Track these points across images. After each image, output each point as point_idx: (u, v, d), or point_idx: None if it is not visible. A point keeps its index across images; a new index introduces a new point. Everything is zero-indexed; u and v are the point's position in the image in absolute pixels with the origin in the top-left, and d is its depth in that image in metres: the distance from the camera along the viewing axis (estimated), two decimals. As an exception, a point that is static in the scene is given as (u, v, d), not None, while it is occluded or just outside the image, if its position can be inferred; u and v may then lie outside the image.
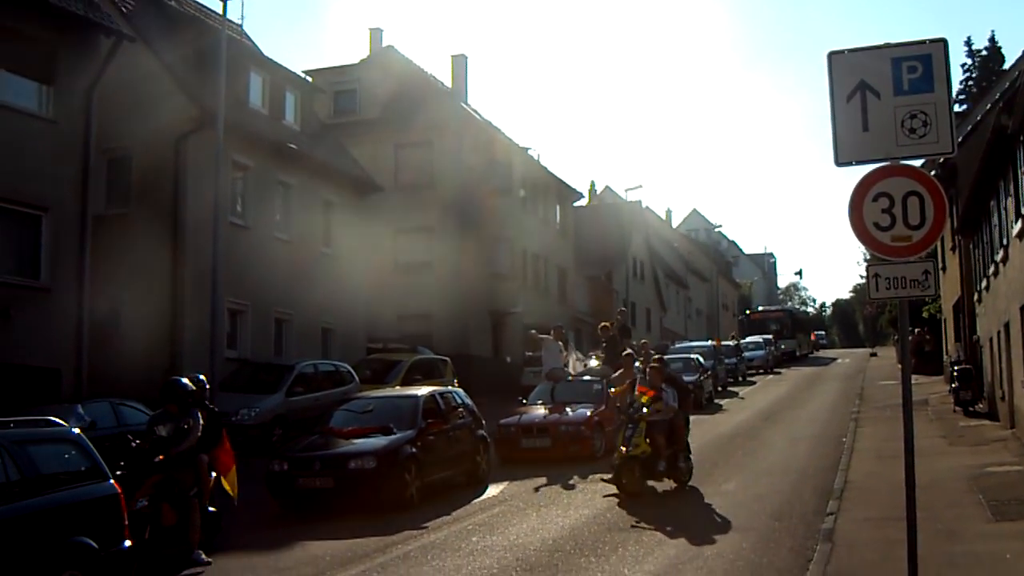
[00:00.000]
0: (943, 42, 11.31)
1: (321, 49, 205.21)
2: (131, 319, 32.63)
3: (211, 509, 16.68)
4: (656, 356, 22.73)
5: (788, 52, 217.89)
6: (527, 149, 60.50)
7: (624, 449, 20.52)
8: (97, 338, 29.60)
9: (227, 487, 17.70)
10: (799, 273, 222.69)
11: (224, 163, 30.66)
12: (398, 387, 30.21)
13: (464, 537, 17.39)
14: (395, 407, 22.75)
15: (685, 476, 21.21)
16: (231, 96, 33.40)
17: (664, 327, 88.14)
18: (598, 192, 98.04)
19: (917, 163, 11.91)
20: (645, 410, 20.75)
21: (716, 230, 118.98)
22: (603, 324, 32.66)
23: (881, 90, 11.37)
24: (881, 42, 11.69)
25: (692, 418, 33.96)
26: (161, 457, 16.00)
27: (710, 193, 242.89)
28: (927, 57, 11.32)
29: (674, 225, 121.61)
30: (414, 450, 21.02)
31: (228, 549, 17.24)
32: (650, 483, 20.90)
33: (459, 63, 59.70)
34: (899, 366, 48.63)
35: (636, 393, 21.39)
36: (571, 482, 22.55)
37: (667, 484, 21.12)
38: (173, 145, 33.30)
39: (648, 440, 20.52)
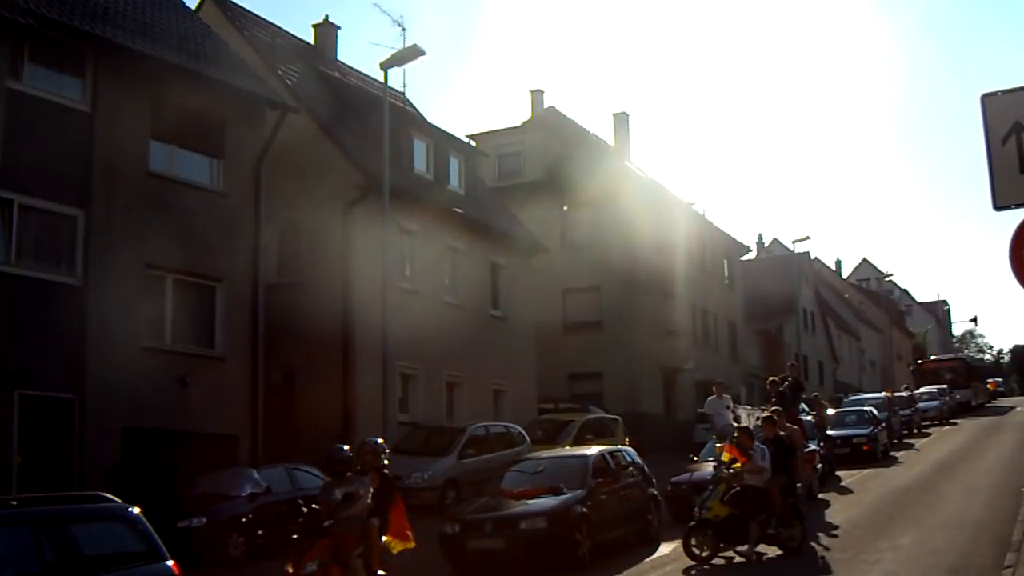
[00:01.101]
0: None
1: (484, 113, 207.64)
2: (305, 386, 33.17)
3: (380, 573, 16.46)
4: (742, 426, 21.90)
5: (951, 93, 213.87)
6: (692, 204, 60.24)
7: (698, 511, 20.04)
8: (272, 405, 30.12)
9: (401, 545, 17.39)
10: (974, 320, 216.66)
11: (391, 229, 30.90)
12: (568, 447, 30.05)
13: None
14: (565, 467, 22.67)
15: (789, 543, 20.13)
16: (396, 163, 33.84)
17: (837, 379, 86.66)
18: (766, 245, 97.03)
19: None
20: (726, 471, 20.28)
21: (887, 279, 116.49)
22: (771, 378, 32.21)
23: (1036, 130, 11.02)
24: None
25: (868, 471, 33.59)
26: (332, 521, 15.84)
27: (880, 242, 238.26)
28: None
29: (844, 275, 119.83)
30: (585, 510, 20.76)
31: None
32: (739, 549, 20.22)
33: (621, 121, 59.71)
34: (1083, 414, 47.12)
35: (724, 455, 21.02)
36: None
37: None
38: (341, 213, 33.91)
39: (730, 503, 19.80)
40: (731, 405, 36.00)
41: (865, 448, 38.17)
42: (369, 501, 16.14)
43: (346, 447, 17.07)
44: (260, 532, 24.43)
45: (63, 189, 25.05)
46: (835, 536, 21.86)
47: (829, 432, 35.64)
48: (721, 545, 19.97)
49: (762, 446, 20.54)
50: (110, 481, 24.67)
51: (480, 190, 43.72)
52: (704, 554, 19.71)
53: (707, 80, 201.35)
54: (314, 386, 32.95)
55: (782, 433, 22.42)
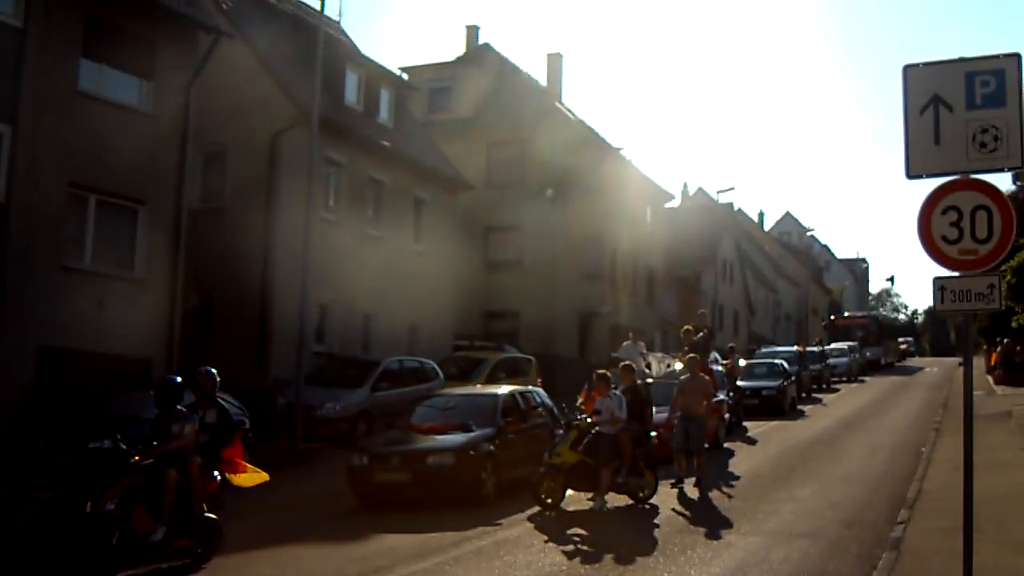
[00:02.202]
0: (1017, 57, 11.34)
1: (417, 46, 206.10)
2: (223, 312, 33.35)
3: (210, 516, 15.78)
4: (601, 372, 21.81)
5: (879, 52, 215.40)
6: (619, 149, 60.44)
7: (547, 456, 20.23)
8: (189, 329, 30.30)
9: (239, 483, 16.72)
10: (891, 279, 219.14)
11: (318, 159, 31.03)
12: (480, 385, 30.37)
13: (536, 534, 17.60)
14: (475, 405, 22.98)
15: (639, 492, 20.40)
16: (326, 93, 33.89)
17: (752, 331, 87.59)
18: (690, 194, 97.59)
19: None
20: (580, 418, 20.60)
21: (808, 234, 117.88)
22: (686, 327, 32.77)
23: (954, 104, 11.45)
24: (956, 56, 11.76)
25: (774, 423, 34.26)
26: (138, 458, 14.96)
27: (803, 197, 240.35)
28: (1000, 72, 11.37)
29: (766, 228, 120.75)
30: (492, 448, 21.20)
31: (307, 539, 17.64)
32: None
33: (554, 61, 59.66)
34: (988, 377, 48.27)
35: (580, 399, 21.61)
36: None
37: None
38: (268, 141, 33.95)
39: (583, 450, 20.00)
40: (644, 352, 36.58)
41: (774, 401, 38.84)
42: (197, 436, 15.68)
43: (178, 378, 16.35)
44: (169, 455, 24.63)
45: (-11, 103, 24.88)
46: (735, 485, 22.44)
47: (739, 383, 36.28)
48: (568, 492, 20.29)
49: (619, 394, 20.70)
50: (23, 399, 24.87)
51: (409, 124, 43.76)
52: (549, 500, 19.91)
53: (642, 27, 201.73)
54: (232, 312, 33.20)
55: (639, 382, 22.61)
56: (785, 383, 40.66)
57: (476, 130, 50.60)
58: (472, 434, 21.25)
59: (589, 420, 20.29)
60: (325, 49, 30.95)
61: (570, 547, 16.43)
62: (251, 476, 16.76)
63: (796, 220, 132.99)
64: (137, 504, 14.26)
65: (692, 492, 21.41)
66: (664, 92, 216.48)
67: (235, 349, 31.85)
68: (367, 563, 15.36)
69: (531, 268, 48.98)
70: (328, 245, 33.84)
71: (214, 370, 16.67)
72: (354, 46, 44.17)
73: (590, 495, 20.14)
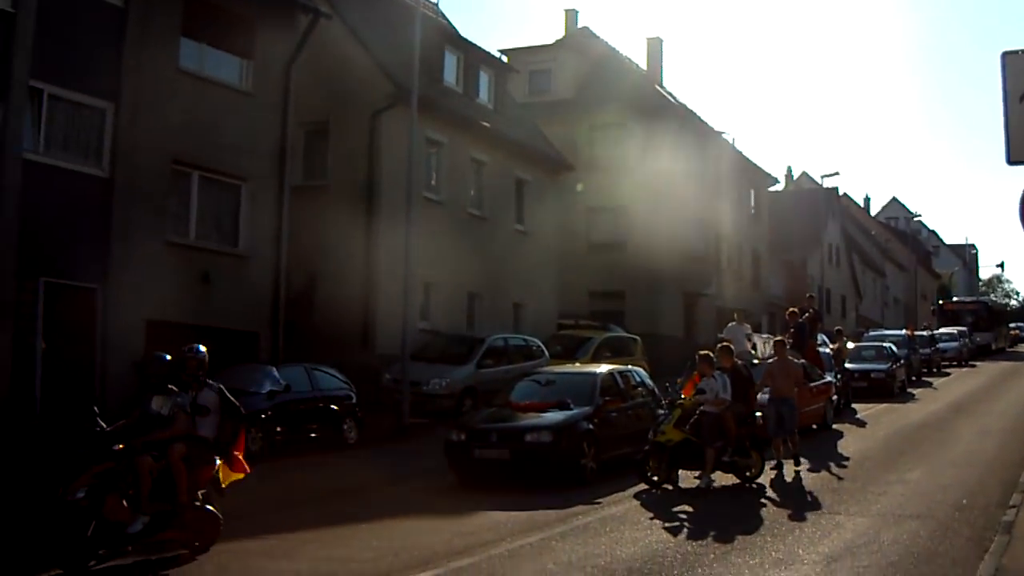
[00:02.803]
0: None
1: (517, 30, 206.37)
2: (326, 287, 33.47)
3: (205, 505, 14.47)
4: (704, 352, 21.14)
5: (990, 34, 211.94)
6: (722, 133, 59.96)
7: (652, 435, 19.88)
8: (293, 305, 30.43)
9: (232, 476, 15.03)
10: (1001, 265, 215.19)
11: (418, 139, 31.06)
12: (579, 364, 30.01)
13: (642, 511, 17.35)
14: (573, 383, 22.66)
15: (745, 472, 20.04)
16: (426, 74, 33.94)
17: (860, 314, 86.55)
18: (795, 178, 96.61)
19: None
20: (683, 397, 20.25)
21: (916, 219, 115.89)
22: (791, 309, 32.21)
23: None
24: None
25: (883, 406, 33.65)
26: (121, 446, 13.71)
27: (911, 182, 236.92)
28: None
29: (872, 213, 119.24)
30: (591, 426, 20.87)
31: (412, 513, 17.51)
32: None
33: (654, 46, 59.33)
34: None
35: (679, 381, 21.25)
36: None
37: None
38: (368, 120, 33.99)
39: (688, 429, 19.68)
40: (750, 333, 36.17)
41: (883, 382, 38.23)
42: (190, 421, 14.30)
43: (167, 356, 14.83)
44: (278, 429, 24.85)
45: (93, 81, 25.08)
46: (844, 467, 21.99)
47: (847, 365, 35.71)
48: (673, 471, 19.89)
49: (722, 374, 20.28)
50: (135, 372, 25.09)
51: (509, 106, 43.64)
52: (655, 478, 19.61)
53: (743, 9, 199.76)
54: (336, 288, 33.23)
55: (739, 363, 22.19)
56: (894, 366, 39.95)
57: (577, 112, 50.26)
58: (571, 412, 20.95)
59: (693, 399, 19.98)
60: (423, 30, 30.93)
61: (676, 524, 16.21)
62: (235, 472, 15.04)
63: (903, 205, 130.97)
64: (109, 493, 13.09)
65: (791, 474, 20.99)
66: (767, 75, 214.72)
67: (341, 326, 31.95)
68: (474, 537, 15.15)
69: (635, 249, 48.49)
70: (431, 224, 33.86)
71: (203, 348, 15.06)
72: (453, 29, 44.18)
73: (696, 473, 19.80)
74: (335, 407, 26.71)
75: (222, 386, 14.89)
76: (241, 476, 15.07)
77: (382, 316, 32.66)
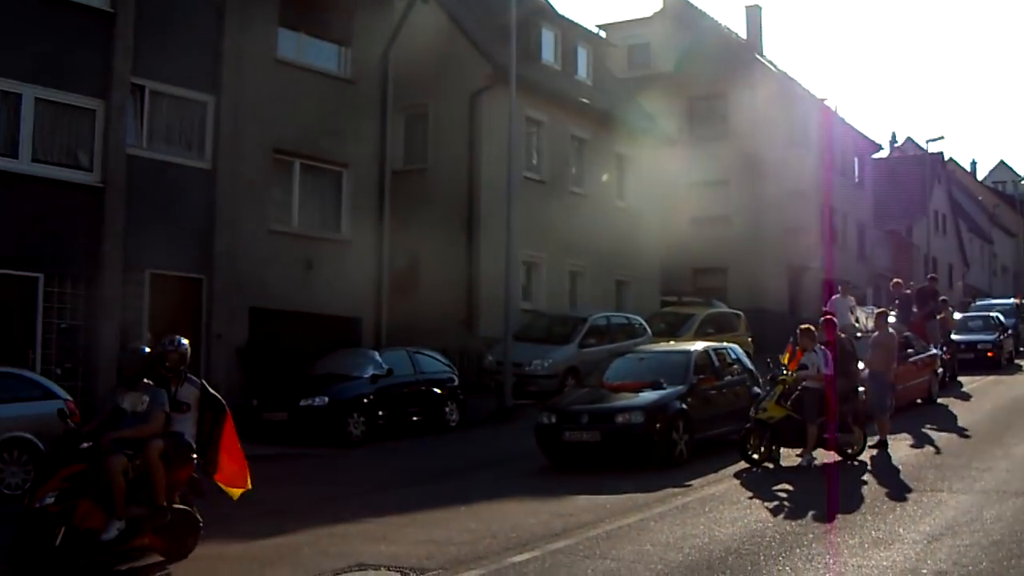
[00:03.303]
0: None
1: (613, 3, 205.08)
2: (428, 271, 33.77)
3: (182, 507, 13.18)
4: (805, 326, 20.36)
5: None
6: (824, 100, 59.16)
7: (753, 412, 19.45)
8: (396, 289, 30.77)
9: (238, 490, 13.97)
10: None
11: (517, 118, 31.15)
12: (672, 341, 29.65)
13: (742, 490, 17.16)
14: (666, 362, 22.25)
15: (847, 449, 19.59)
16: (523, 52, 33.93)
17: (967, 283, 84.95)
18: (898, 144, 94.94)
19: None
20: (785, 373, 19.67)
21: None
22: (895, 280, 31.76)
23: None
24: None
25: (990, 379, 33.01)
26: (89, 444, 12.57)
27: (1019, 144, 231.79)
28: None
29: (979, 177, 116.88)
30: (684, 406, 20.41)
31: (508, 495, 17.50)
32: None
33: (753, 14, 58.52)
34: None
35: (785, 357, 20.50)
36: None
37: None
38: (467, 102, 34.13)
39: (790, 406, 19.23)
40: (854, 306, 35.75)
41: (989, 355, 37.52)
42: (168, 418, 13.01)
43: (147, 348, 13.66)
44: (381, 413, 25.21)
45: (194, 75, 25.64)
46: (949, 442, 21.52)
47: (953, 337, 35.11)
48: (775, 448, 19.56)
49: (824, 349, 19.76)
50: (238, 360, 25.66)
51: (608, 81, 43.53)
52: (756, 456, 19.26)
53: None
54: (438, 272, 33.52)
55: (842, 336, 21.43)
56: (1001, 337, 38.96)
57: (676, 85, 49.79)
58: (663, 391, 20.53)
59: (794, 375, 19.75)
60: (519, 8, 30.94)
61: (775, 503, 15.98)
62: (238, 486, 13.98)
63: (1011, 168, 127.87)
64: (81, 498, 12.03)
65: (898, 451, 20.46)
66: (867, 39, 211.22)
67: (443, 308, 32.18)
68: (572, 518, 15.09)
69: (738, 223, 48.22)
70: (531, 203, 33.97)
71: (185, 340, 13.60)
72: (549, 5, 44.13)
73: (798, 451, 19.48)
74: (437, 390, 26.99)
75: (204, 382, 13.77)
76: (244, 489, 13.93)
77: (484, 298, 32.89)
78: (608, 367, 23.08)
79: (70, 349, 23.04)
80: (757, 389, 22.16)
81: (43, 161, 22.92)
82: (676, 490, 16.96)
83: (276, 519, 15.85)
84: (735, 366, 23.37)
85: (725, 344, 25.58)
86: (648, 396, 20.38)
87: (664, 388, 20.64)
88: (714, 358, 22.79)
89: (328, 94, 28.94)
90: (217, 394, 13.74)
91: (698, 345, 24.10)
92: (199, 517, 13.28)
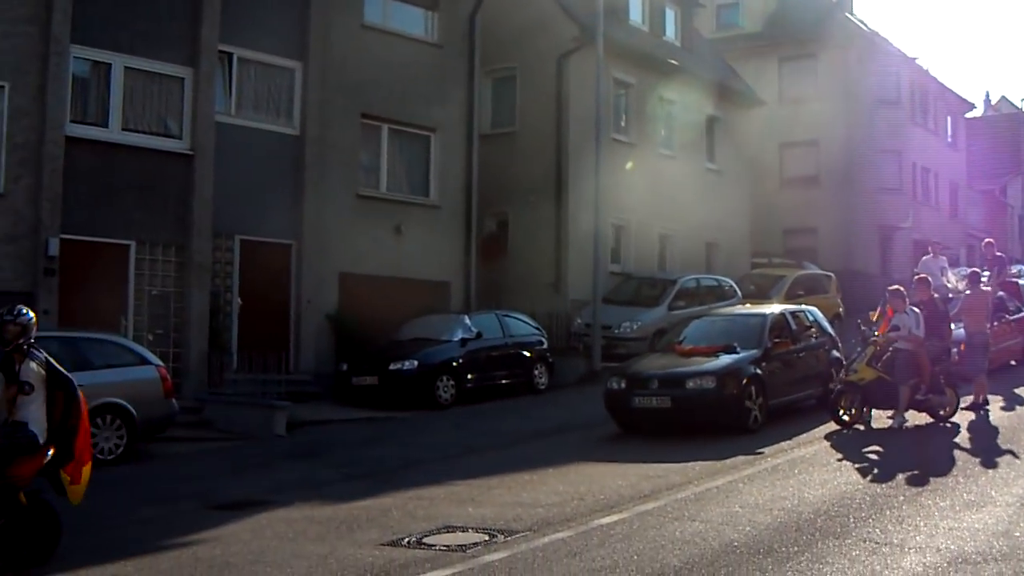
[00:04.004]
0: None
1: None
2: (517, 234, 33.78)
3: (38, 507, 11.36)
4: (895, 287, 19.86)
5: None
6: (916, 59, 58.24)
7: (844, 374, 19.28)
8: (484, 252, 30.88)
9: (66, 483, 11.54)
10: None
11: (605, 80, 31.03)
12: (748, 305, 28.57)
13: (832, 452, 16.97)
14: (741, 326, 21.57)
15: (939, 410, 19.19)
16: (611, 14, 33.67)
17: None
18: (993, 103, 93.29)
19: None
20: (876, 335, 19.28)
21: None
22: (988, 240, 31.23)
23: None
24: None
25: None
26: None
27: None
28: None
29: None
30: (758, 371, 19.75)
31: (593, 458, 17.45)
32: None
33: (843, -28, 57.85)
34: None
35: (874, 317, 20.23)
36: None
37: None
38: (555, 64, 33.94)
39: (881, 367, 18.86)
40: (945, 266, 35.27)
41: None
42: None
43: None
44: (470, 376, 25.34)
45: (281, 42, 25.94)
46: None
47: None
48: (866, 410, 19.30)
49: (915, 310, 19.37)
50: (329, 325, 25.92)
51: (697, 42, 43.09)
52: (847, 417, 19.02)
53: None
54: (527, 235, 33.50)
55: (936, 296, 21.22)
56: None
57: (766, 45, 49.34)
58: (736, 356, 19.93)
59: (886, 336, 19.49)
60: (605, -30, 30.77)
61: (866, 465, 15.84)
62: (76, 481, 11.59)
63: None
64: None
65: (992, 413, 20.05)
66: None
67: (532, 272, 32.21)
68: (661, 480, 15.00)
69: (828, 183, 47.66)
70: (620, 166, 33.79)
71: (29, 312, 11.53)
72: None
73: (889, 413, 19.24)
74: (526, 353, 27.08)
75: (48, 357, 11.54)
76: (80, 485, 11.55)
77: (573, 261, 32.78)
78: (682, 331, 22.54)
79: (161, 315, 23.47)
80: (836, 353, 22.02)
81: (133, 130, 23.35)
82: (748, 457, 16.53)
83: (365, 482, 16.03)
84: (813, 329, 22.81)
85: (804, 307, 24.84)
86: (721, 361, 19.86)
87: (738, 352, 20.10)
88: (791, 321, 22.09)
89: (415, 58, 29.04)
90: (64, 371, 11.67)
91: (775, 308, 23.56)
92: (57, 518, 11.42)
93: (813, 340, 22.34)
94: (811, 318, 23.17)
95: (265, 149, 25.32)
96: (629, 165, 38.09)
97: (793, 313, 22.77)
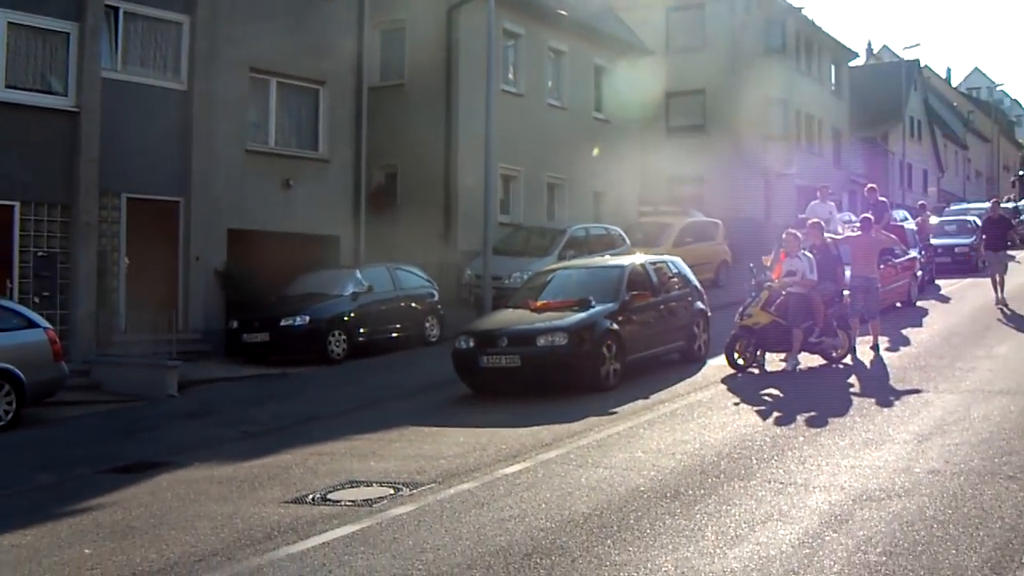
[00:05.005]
0: None
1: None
2: (407, 187, 33.82)
3: None
4: (791, 231, 20.17)
5: None
6: (800, 8, 58.87)
7: (739, 318, 19.35)
8: (374, 206, 30.81)
9: None
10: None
11: (495, 31, 30.94)
12: (608, 256, 28.01)
13: (730, 396, 17.14)
14: (597, 278, 20.54)
15: (832, 352, 19.58)
16: (502, -36, 33.66)
17: (941, 189, 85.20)
18: (875, 51, 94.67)
19: None
20: (772, 278, 19.63)
21: (998, 88, 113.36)
22: (870, 186, 31.80)
23: None
24: None
25: (967, 281, 33.09)
26: None
27: (992, 50, 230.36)
28: None
29: (954, 84, 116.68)
30: (614, 326, 18.79)
31: (496, 406, 17.50)
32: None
33: (730, -79, 58.16)
34: None
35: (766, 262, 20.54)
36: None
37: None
38: (445, 15, 33.91)
39: (775, 311, 19.16)
40: (833, 211, 35.85)
41: (967, 258, 37.75)
42: None
43: None
44: (362, 331, 25.38)
45: (168, -4, 25.51)
46: (931, 344, 21.61)
47: (931, 241, 35.27)
48: (760, 353, 19.54)
49: (808, 254, 19.73)
50: (217, 282, 25.76)
51: (586, -8, 43.26)
52: (742, 361, 19.17)
53: None
54: (416, 187, 33.57)
55: (829, 240, 21.37)
56: (978, 240, 39.30)
57: (654, -5, 49.70)
58: (591, 311, 18.86)
59: (781, 281, 19.71)
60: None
61: (764, 408, 16.05)
62: None
63: (984, 75, 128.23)
64: None
65: (866, 357, 20.32)
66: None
67: (421, 224, 32.21)
68: (563, 429, 14.98)
69: (714, 132, 48.34)
70: (509, 117, 33.82)
71: None
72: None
73: (783, 356, 19.56)
74: (417, 305, 27.19)
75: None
76: None
77: (463, 212, 32.89)
78: (533, 284, 21.86)
79: (48, 277, 23.06)
80: (701, 304, 21.69)
81: (16, 87, 22.84)
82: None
83: (263, 440, 16.07)
84: (675, 280, 21.97)
85: (666, 257, 23.77)
86: (574, 316, 18.76)
87: (593, 307, 19.06)
88: (652, 273, 21.13)
89: (304, 11, 28.72)
90: None
91: (635, 259, 22.23)
92: None
93: (676, 292, 21.61)
94: (674, 269, 22.33)
95: (152, 105, 24.90)
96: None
97: (654, 264, 21.81)
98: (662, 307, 20.70)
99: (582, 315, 18.71)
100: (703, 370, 19.91)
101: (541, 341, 18.20)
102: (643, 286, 20.37)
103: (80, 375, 21.49)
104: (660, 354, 20.35)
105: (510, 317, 19.72)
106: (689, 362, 20.60)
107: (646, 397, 17.32)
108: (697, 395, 17.52)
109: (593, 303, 19.06)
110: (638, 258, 22.40)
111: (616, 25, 43.75)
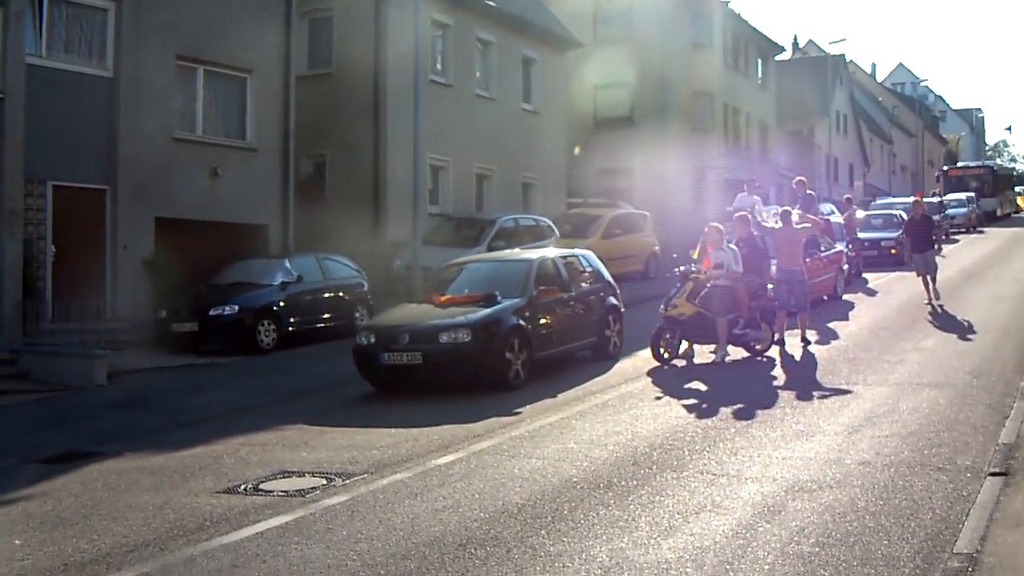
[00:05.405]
0: None
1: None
2: (335, 176, 33.70)
3: None
4: (714, 224, 20.21)
5: None
6: (727, 2, 59.38)
7: (664, 310, 19.48)
8: (302, 195, 30.68)
9: None
10: (1008, 129, 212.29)
11: (423, 21, 30.86)
12: (518, 249, 27.46)
13: (655, 389, 17.29)
14: (505, 273, 20.22)
15: (755, 345, 19.87)
16: (429, -46, 33.60)
17: (867, 183, 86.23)
18: (801, 46, 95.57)
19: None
20: (696, 271, 19.81)
21: (922, 84, 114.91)
22: (799, 178, 32.15)
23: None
24: None
25: (894, 275, 33.50)
26: None
27: (917, 46, 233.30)
28: None
29: (879, 79, 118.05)
30: (520, 322, 18.41)
31: (430, 397, 17.41)
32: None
33: (659, -86, 58.42)
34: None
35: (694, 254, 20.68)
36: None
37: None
38: (373, 4, 33.78)
39: (699, 303, 19.34)
40: (758, 203, 36.13)
41: (893, 252, 38.12)
42: None
43: None
44: (291, 320, 25.29)
45: (93, -19, 25.20)
46: (859, 337, 21.92)
47: (858, 235, 35.66)
48: (688, 346, 19.78)
49: (733, 247, 19.97)
50: (145, 271, 25.53)
51: (515, -17, 43.28)
52: (667, 354, 19.35)
53: None
54: (345, 177, 33.49)
55: (756, 233, 21.76)
56: (904, 234, 39.72)
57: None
58: (496, 306, 18.40)
59: (708, 273, 19.77)
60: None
61: (694, 400, 16.27)
62: None
63: (909, 71, 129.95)
64: None
65: (795, 349, 20.61)
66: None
67: (350, 213, 31.99)
68: (495, 421, 15.05)
69: (642, 124, 48.57)
70: (438, 108, 33.74)
71: None
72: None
73: (712, 348, 19.73)
74: (347, 295, 27.13)
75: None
76: None
77: (392, 202, 32.81)
78: (438, 279, 21.39)
79: (-29, 268, 22.68)
80: (614, 300, 21.39)
81: (-63, 73, 22.45)
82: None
83: (192, 430, 15.98)
84: (587, 274, 21.64)
85: (577, 251, 23.25)
86: (479, 312, 18.29)
87: (500, 302, 18.58)
88: (561, 268, 20.80)
89: (233, -1, 28.55)
90: None
91: (545, 253, 22.11)
92: None
93: (587, 287, 21.26)
94: (585, 263, 21.98)
95: (78, 92, 24.60)
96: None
97: (564, 258, 21.50)
98: (572, 303, 20.36)
99: (487, 311, 18.29)
100: (616, 366, 19.85)
101: (444, 338, 17.77)
102: (552, 281, 20.12)
103: (7, 364, 21.29)
104: (570, 351, 20.09)
105: (413, 312, 19.27)
106: (601, 359, 20.41)
107: (553, 396, 17.07)
108: (627, 387, 17.65)
109: (499, 298, 18.63)
110: (548, 252, 22.36)
111: (545, 17, 43.82)
